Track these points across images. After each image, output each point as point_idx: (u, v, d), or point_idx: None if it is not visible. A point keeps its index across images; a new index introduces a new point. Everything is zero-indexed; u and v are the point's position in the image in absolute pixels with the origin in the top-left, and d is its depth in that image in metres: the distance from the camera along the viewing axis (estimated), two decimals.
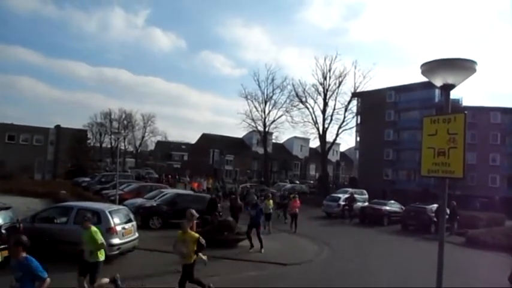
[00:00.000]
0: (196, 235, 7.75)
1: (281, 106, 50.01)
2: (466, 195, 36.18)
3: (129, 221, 10.94)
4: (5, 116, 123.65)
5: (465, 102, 44.16)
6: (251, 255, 11.97)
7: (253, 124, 51.06)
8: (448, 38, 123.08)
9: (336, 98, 46.04)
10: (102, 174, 34.54)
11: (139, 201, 17.51)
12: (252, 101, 50.54)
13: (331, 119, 45.87)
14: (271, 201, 19.04)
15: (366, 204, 26.69)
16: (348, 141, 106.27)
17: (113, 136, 72.33)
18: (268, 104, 50.49)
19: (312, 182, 55.80)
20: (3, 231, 8.65)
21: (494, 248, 16.01)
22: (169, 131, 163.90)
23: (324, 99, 45.92)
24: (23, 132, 43.49)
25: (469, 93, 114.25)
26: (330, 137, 47.22)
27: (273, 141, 58.79)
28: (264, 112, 50.66)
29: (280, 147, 68.50)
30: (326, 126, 45.88)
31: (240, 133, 65.55)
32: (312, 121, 46.36)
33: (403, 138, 48.64)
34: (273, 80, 50.01)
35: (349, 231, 20.26)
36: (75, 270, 8.88)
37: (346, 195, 27.19)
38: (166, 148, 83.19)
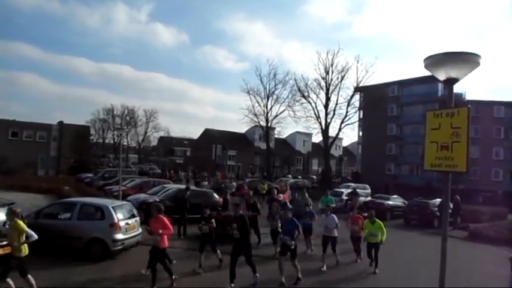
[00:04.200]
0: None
1: (283, 101, 50.18)
2: (469, 189, 36.21)
3: (133, 216, 11.01)
4: (8, 112, 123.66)
5: (468, 96, 44.06)
6: (253, 251, 11.96)
7: (255, 119, 51.25)
8: (451, 32, 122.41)
9: (338, 92, 46.12)
10: (105, 170, 34.59)
11: (142, 196, 17.54)
12: (254, 96, 50.70)
13: (334, 114, 45.95)
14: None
15: (369, 198, 26.67)
16: (350, 136, 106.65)
17: (115, 132, 72.40)
18: (270, 99, 50.64)
19: (314, 176, 55.82)
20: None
21: (496, 242, 16.03)
22: (172, 126, 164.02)
23: (327, 93, 45.90)
24: (26, 128, 43.61)
25: (472, 87, 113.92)
26: (332, 132, 47.33)
27: (276, 136, 58.78)
28: (266, 107, 50.81)
29: (283, 142, 68.43)
30: (328, 121, 46.00)
31: (242, 128, 65.69)
32: (314, 116, 46.45)
33: (405, 133, 48.52)
34: (275, 75, 50.17)
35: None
36: (79, 264, 8.95)
37: (349, 190, 27.18)
38: (168, 144, 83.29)
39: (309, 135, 65.12)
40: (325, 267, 10.50)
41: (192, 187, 20.64)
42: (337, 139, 51.59)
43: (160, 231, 8.06)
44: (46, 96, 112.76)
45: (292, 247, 8.87)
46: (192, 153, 73.19)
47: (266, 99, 50.60)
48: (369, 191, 31.80)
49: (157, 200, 16.69)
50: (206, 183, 27.29)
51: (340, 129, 46.33)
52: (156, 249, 8.20)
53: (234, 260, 8.45)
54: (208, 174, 39.42)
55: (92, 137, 58.31)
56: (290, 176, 52.45)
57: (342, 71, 45.38)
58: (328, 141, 46.86)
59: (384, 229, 10.81)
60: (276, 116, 50.95)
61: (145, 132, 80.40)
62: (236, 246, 8.59)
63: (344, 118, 45.64)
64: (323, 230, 11.30)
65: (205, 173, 39.12)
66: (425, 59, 4.05)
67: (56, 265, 9.04)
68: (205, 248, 9.86)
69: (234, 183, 26.14)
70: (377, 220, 10.83)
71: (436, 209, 20.73)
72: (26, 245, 7.01)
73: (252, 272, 8.67)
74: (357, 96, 48.10)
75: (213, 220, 10.02)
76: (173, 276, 8.25)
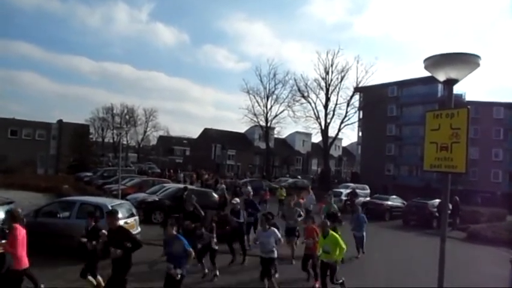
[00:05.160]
0: None
1: (283, 101, 50.18)
2: (468, 190, 36.25)
3: (132, 215, 11.00)
4: (8, 111, 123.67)
5: (468, 97, 44.09)
6: (253, 250, 11.98)
7: (255, 119, 51.27)
8: (451, 33, 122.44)
9: (338, 92, 46.11)
10: (104, 169, 34.60)
11: (141, 195, 17.54)
12: (254, 96, 50.71)
13: (333, 114, 45.93)
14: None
15: (368, 199, 26.69)
16: (350, 136, 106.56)
17: (115, 131, 72.32)
18: (270, 98, 50.67)
19: (313, 177, 55.85)
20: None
21: (495, 243, 16.05)
22: (172, 126, 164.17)
23: (326, 94, 45.88)
24: (26, 127, 43.59)
25: (472, 88, 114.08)
26: (332, 132, 47.32)
27: (275, 136, 58.78)
28: (266, 107, 50.82)
29: (282, 142, 68.46)
30: (328, 121, 45.97)
31: (242, 128, 65.73)
32: (314, 116, 46.43)
33: (405, 133, 48.60)
34: (275, 74, 50.17)
35: (350, 226, 20.24)
36: (78, 263, 8.91)
37: (348, 191, 27.19)
38: (168, 143, 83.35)
39: (309, 135, 65.19)
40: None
41: (190, 186, 20.60)
42: (336, 139, 51.58)
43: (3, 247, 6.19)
44: (46, 95, 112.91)
45: (178, 277, 6.26)
46: (192, 153, 73.23)
47: (266, 99, 50.70)
48: (368, 191, 31.81)
49: (156, 199, 16.70)
50: (223, 186, 22.72)
51: (339, 130, 46.37)
52: (11, 271, 6.21)
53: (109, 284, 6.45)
54: (208, 173, 38.74)
55: (91, 136, 58.33)
56: (289, 175, 52.51)
57: (342, 71, 45.44)
58: (328, 141, 46.83)
59: (342, 245, 7.99)
60: (276, 115, 51.04)
61: (145, 132, 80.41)
62: (115, 267, 6.43)
63: (344, 118, 45.68)
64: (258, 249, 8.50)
65: (214, 175, 37.11)
66: (425, 60, 4.05)
67: (55, 264, 9.05)
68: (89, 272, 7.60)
69: (249, 187, 24.09)
70: (332, 233, 8.11)
71: (435, 209, 20.74)
72: None
73: None
74: (357, 97, 48.15)
75: (104, 231, 7.34)
76: None
